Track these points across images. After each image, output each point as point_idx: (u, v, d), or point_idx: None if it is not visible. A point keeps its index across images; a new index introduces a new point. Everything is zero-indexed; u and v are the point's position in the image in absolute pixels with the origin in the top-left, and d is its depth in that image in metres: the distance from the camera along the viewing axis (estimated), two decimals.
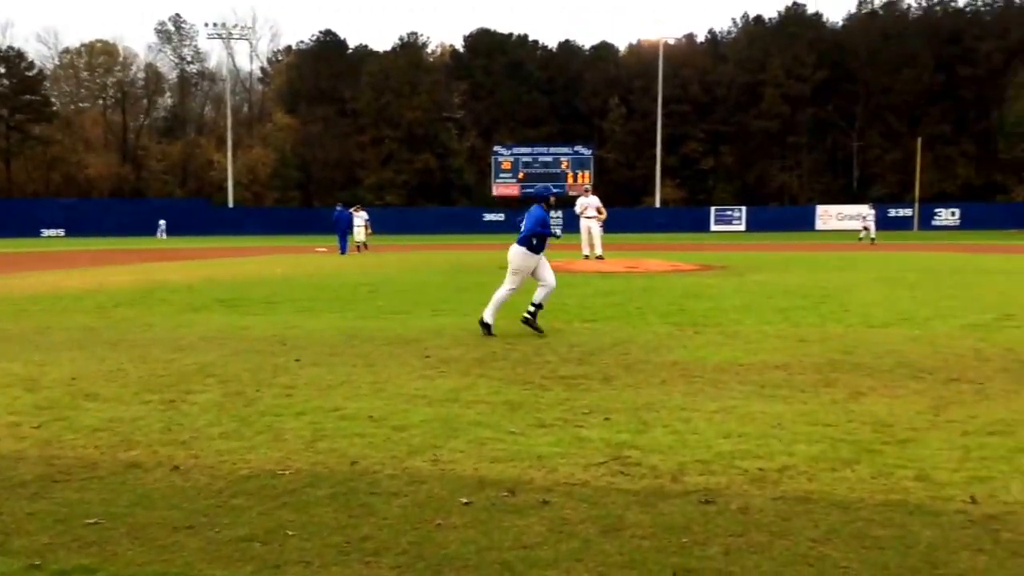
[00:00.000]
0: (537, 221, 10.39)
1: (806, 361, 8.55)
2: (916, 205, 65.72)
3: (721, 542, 3.94)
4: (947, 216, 68.35)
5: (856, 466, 5.06)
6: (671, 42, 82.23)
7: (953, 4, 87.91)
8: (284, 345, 9.78)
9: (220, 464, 5.19)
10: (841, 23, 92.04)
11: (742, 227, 69.98)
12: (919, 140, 68.25)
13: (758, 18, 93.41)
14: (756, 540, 3.95)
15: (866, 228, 42.57)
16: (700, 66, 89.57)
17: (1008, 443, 5.54)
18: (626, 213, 72.41)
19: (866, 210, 44.29)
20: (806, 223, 68.65)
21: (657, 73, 74.74)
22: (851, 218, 67.39)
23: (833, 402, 6.72)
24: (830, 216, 68.87)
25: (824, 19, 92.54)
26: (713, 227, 70.45)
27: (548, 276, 10.57)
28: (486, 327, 10.36)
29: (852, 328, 10.96)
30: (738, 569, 3.64)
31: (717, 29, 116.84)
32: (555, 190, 12.00)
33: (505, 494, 4.58)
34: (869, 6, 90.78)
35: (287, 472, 5.01)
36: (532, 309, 10.54)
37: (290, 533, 4.06)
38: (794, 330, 10.82)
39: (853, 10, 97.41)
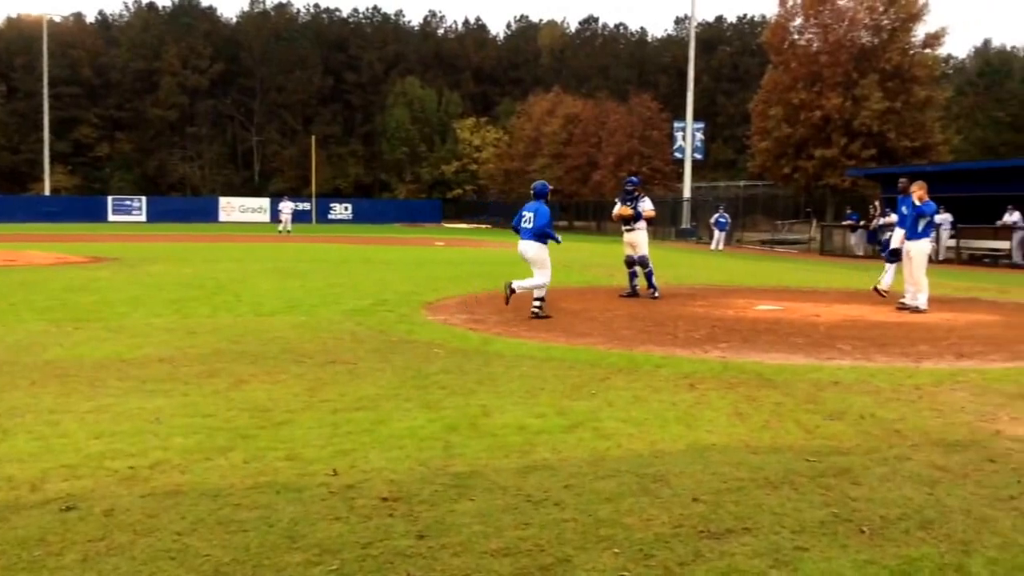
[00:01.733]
0: (549, 218, 11.79)
1: (192, 353, 8.47)
2: (313, 200, 69.50)
3: (80, 549, 3.68)
4: (341, 210, 73.49)
5: (230, 453, 5.13)
6: (56, 19, 75.37)
7: (339, 13, 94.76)
8: None
9: None
10: (235, 19, 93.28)
11: (143, 218, 67.07)
12: (313, 138, 72.26)
13: (151, 5, 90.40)
14: (119, 541, 3.77)
15: (284, 221, 44.29)
16: (92, 48, 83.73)
17: (371, 416, 6.08)
18: (10, 200, 64.61)
19: (285, 205, 45.75)
20: (209, 215, 68.35)
21: (42, 51, 67.90)
22: (254, 211, 68.81)
23: (215, 392, 6.75)
24: (233, 208, 69.48)
25: (219, 13, 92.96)
26: (111, 217, 66.33)
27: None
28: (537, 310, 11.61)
29: (242, 317, 11.17)
30: (95, 574, 3.43)
31: (108, 11, 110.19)
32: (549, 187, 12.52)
33: None
34: (261, 5, 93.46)
35: None
36: (537, 304, 11.70)
37: None
38: (184, 322, 10.67)
39: (246, 8, 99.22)
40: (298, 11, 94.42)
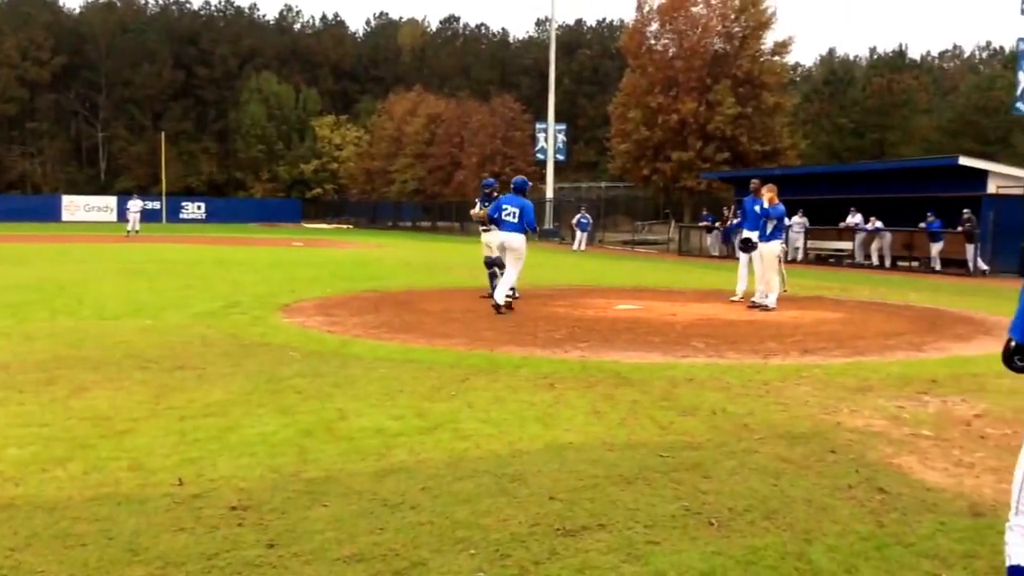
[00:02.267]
0: (533, 213, 12.67)
1: (29, 359, 7.97)
2: (163, 198, 66.82)
3: None
4: (194, 210, 70.93)
5: (69, 464, 4.83)
6: None
7: (189, 6, 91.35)
8: None
9: None
10: (79, 10, 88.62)
11: None
12: (163, 135, 69.48)
13: None
14: None
15: (132, 221, 42.05)
16: None
17: (220, 423, 5.85)
18: None
19: (133, 203, 43.57)
20: (51, 214, 64.67)
21: None
22: (99, 209, 65.52)
23: (53, 400, 6.36)
24: (77, 207, 65.98)
25: (61, 4, 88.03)
26: None
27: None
28: (505, 306, 12.32)
29: (84, 321, 10.59)
30: None
31: None
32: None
33: None
34: None
35: None
36: (510, 293, 12.53)
37: None
38: (21, 327, 10.04)
39: None
40: (146, 2, 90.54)
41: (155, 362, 7.99)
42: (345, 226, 64.91)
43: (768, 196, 13.57)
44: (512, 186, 12.97)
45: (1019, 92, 28.21)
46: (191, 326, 10.41)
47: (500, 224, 12.58)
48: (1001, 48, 59.94)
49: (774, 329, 11.24)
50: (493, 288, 14.50)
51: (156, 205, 65.78)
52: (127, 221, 42.85)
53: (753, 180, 14.85)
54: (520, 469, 4.98)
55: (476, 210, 14.64)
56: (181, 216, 69.01)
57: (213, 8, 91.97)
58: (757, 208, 14.00)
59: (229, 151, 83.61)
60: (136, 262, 22.02)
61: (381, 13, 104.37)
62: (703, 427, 6.03)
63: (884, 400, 7.00)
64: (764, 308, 13.33)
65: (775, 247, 13.78)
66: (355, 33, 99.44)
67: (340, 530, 3.99)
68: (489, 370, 7.99)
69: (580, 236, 38.19)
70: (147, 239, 37.19)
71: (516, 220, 12.46)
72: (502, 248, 12.78)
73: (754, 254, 13.97)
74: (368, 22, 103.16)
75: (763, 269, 13.64)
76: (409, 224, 65.94)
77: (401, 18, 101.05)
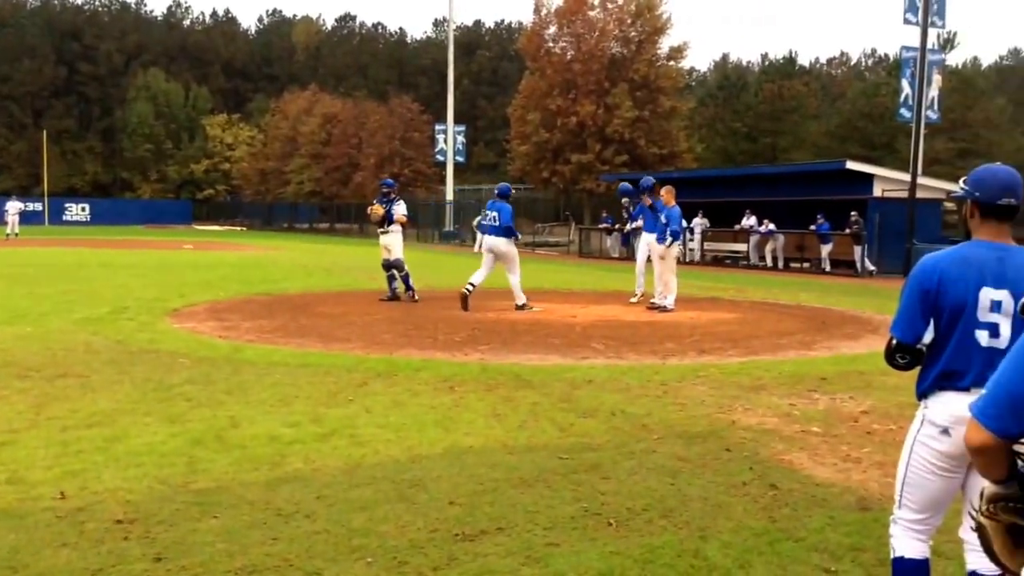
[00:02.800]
0: (512, 215, 13.22)
1: None
2: (45, 199, 63.98)
3: None
4: (78, 211, 68.22)
5: None
6: None
7: (72, 0, 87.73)
8: None
9: None
10: None
11: None
12: (44, 133, 66.54)
13: None
14: None
15: (10, 223, 39.91)
16: None
17: (105, 433, 5.61)
18: None
19: (12, 205, 41.37)
20: None
21: None
22: None
23: None
24: None
25: None
26: None
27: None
28: (524, 306, 13.01)
29: None
30: None
31: None
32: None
33: None
34: None
35: None
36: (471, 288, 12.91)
37: None
38: None
39: None
40: None
41: (35, 370, 7.62)
42: (238, 228, 63.35)
43: (666, 198, 13.75)
44: (496, 192, 13.85)
45: (902, 99, 29.46)
46: (74, 332, 9.96)
47: (483, 228, 13.42)
48: (886, 55, 62.61)
49: (672, 330, 11.43)
50: (392, 291, 14.38)
51: (38, 207, 62.89)
52: (5, 224, 40.81)
53: (646, 178, 14.96)
54: (419, 474, 4.92)
55: (371, 208, 14.60)
56: (64, 218, 66.25)
57: (97, 3, 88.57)
58: (658, 212, 14.03)
59: (115, 150, 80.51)
60: (15, 266, 20.97)
61: (274, 10, 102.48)
62: (602, 428, 6.07)
63: (777, 398, 7.20)
64: (663, 309, 13.53)
65: (673, 249, 13.98)
66: (247, 30, 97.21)
67: (231, 542, 3.87)
68: (388, 374, 7.88)
69: (481, 238, 37.89)
70: (27, 242, 35.53)
71: (496, 223, 13.11)
72: (488, 252, 13.37)
73: (653, 255, 14.13)
74: (261, 19, 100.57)
75: (662, 270, 13.83)
76: (306, 226, 64.82)
77: (295, 16, 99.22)
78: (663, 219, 13.70)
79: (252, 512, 4.26)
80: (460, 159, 50.63)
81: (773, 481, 4.93)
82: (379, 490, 4.63)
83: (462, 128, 51.43)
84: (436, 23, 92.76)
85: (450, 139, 48.95)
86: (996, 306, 2.78)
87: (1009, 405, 1.95)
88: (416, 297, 14.34)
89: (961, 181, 3.06)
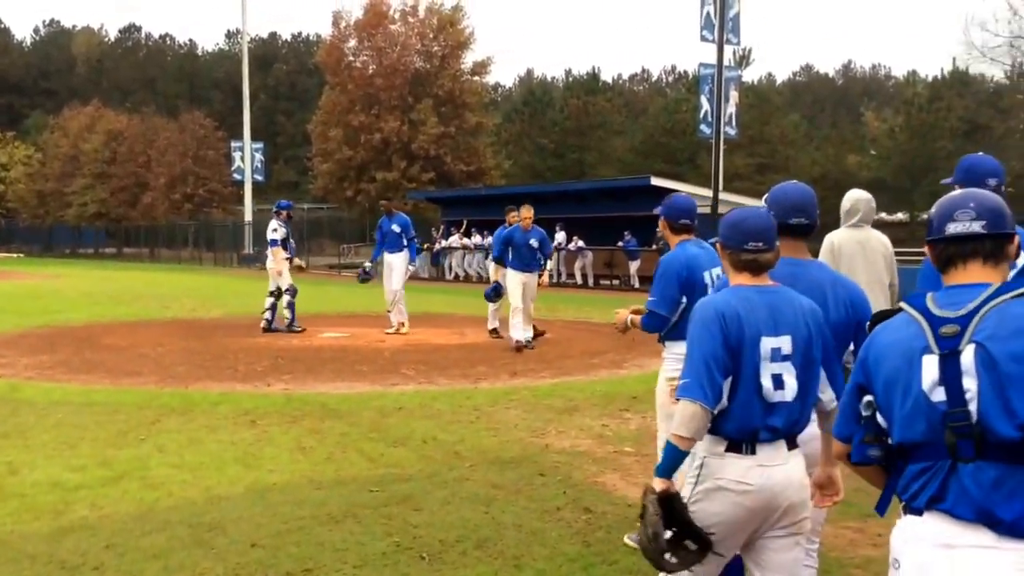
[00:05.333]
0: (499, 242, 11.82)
1: None
2: None
3: None
4: None
5: None
6: None
7: None
8: None
9: None
10: None
11: None
12: None
13: None
14: None
15: None
16: None
17: None
18: None
19: None
20: None
21: None
22: None
23: None
24: None
25: None
26: None
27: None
28: (526, 344, 11.26)
29: None
30: None
31: None
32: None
33: None
34: None
35: None
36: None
37: None
38: None
39: None
40: None
41: None
42: (14, 255, 58.38)
43: (523, 219, 11.65)
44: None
45: (702, 115, 30.69)
46: None
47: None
48: (685, 72, 65.26)
49: (484, 352, 11.36)
50: (271, 320, 13.12)
51: None
52: None
53: (382, 202, 14.17)
54: (218, 517, 4.65)
55: (278, 238, 13.14)
56: None
57: None
58: (395, 227, 13.09)
59: None
60: None
61: (52, 21, 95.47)
62: (414, 457, 5.95)
63: (589, 419, 7.29)
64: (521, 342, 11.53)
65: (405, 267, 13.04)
66: (22, 42, 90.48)
67: None
68: (183, 409, 7.43)
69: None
70: None
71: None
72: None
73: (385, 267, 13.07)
74: (37, 30, 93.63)
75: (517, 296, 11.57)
76: (91, 251, 60.71)
77: (75, 26, 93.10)
78: (534, 243, 11.62)
79: (34, 567, 3.95)
80: (259, 178, 48.94)
81: (587, 504, 4.97)
82: (174, 536, 4.35)
83: (260, 145, 49.71)
84: (229, 35, 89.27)
85: (247, 157, 47.23)
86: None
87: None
88: (293, 328, 12.96)
89: (763, 199, 3.18)
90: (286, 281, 13.00)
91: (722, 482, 2.58)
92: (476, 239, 30.62)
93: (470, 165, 46.09)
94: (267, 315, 13.10)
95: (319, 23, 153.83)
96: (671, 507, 2.49)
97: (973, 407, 1.87)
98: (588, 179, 47.33)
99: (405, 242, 13.03)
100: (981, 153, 3.87)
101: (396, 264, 13.00)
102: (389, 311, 13.27)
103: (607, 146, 55.35)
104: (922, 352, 1.94)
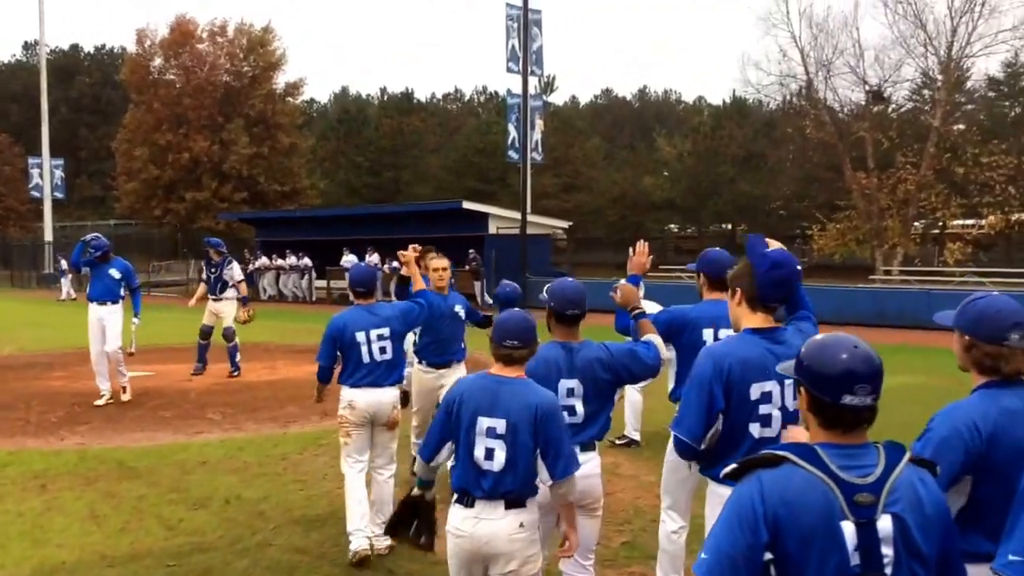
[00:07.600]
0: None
1: None
2: None
3: None
4: None
5: None
6: None
7: None
8: None
9: None
10: None
11: None
12: None
13: None
14: None
15: None
16: None
17: None
18: None
19: None
20: None
21: None
22: None
23: None
24: None
25: None
26: None
27: None
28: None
29: None
30: None
31: None
32: None
33: None
34: None
35: None
36: None
37: None
38: None
39: None
40: None
41: None
42: None
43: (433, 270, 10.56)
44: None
45: (510, 141, 31.64)
46: None
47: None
48: (496, 93, 65.98)
49: (294, 389, 10.73)
50: (203, 363, 12.20)
51: None
52: None
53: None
54: None
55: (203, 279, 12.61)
56: None
57: None
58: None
59: None
60: None
61: None
62: (215, 521, 5.78)
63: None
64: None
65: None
66: None
67: None
68: None
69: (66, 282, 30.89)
70: None
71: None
72: None
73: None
74: None
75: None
76: None
77: None
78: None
79: None
80: (59, 195, 46.03)
81: (390, 567, 4.96)
82: None
83: (60, 161, 46.70)
84: (27, 46, 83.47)
85: (46, 173, 44.29)
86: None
87: None
88: (237, 373, 12.16)
89: (544, 290, 3.71)
90: (226, 321, 12.07)
91: (448, 526, 3.28)
92: (291, 259, 30.22)
93: (284, 185, 45.45)
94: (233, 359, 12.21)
95: (123, 36, 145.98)
96: (416, 507, 3.63)
97: (888, 571, 1.95)
98: (403, 199, 47.52)
99: (124, 292, 10.46)
100: (719, 248, 4.44)
101: (110, 319, 10.21)
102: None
103: (422, 164, 55.89)
104: (840, 517, 1.95)
